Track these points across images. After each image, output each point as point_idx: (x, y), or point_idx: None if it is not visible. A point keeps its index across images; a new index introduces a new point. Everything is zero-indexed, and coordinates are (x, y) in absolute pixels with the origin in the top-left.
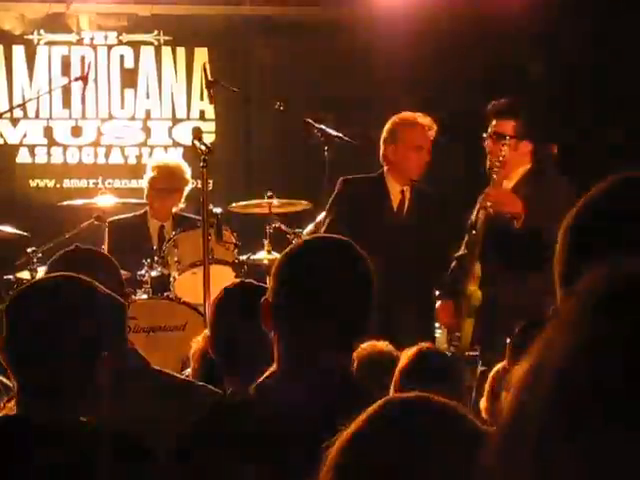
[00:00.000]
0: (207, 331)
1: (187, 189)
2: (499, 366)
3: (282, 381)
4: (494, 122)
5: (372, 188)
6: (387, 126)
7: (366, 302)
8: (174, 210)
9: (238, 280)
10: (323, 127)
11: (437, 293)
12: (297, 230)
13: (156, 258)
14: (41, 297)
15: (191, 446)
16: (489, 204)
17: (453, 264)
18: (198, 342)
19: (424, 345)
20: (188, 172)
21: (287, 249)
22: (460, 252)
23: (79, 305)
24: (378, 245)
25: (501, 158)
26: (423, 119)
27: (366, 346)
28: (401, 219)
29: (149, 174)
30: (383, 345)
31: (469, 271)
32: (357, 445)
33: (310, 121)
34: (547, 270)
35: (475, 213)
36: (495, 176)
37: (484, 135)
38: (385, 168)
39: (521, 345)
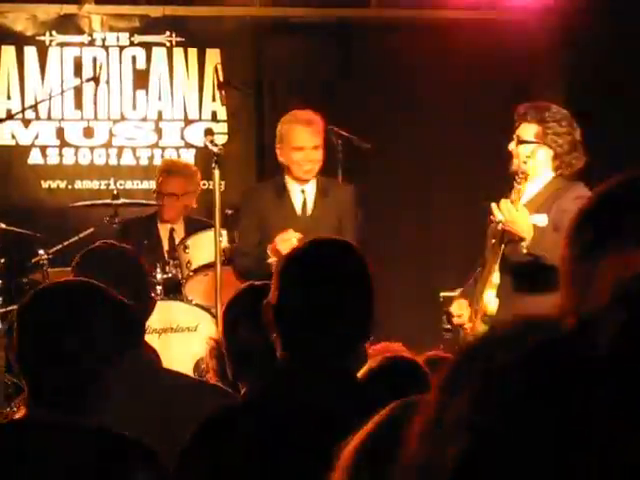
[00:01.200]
0: (220, 332)
1: (197, 191)
2: None
3: (284, 384)
4: (519, 125)
5: (274, 193)
6: (278, 126)
7: (367, 304)
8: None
9: (250, 282)
10: (335, 128)
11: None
12: None
13: (167, 260)
14: (52, 301)
15: (193, 449)
16: (501, 219)
17: (477, 271)
18: (215, 340)
19: (432, 353)
20: (198, 174)
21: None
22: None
23: (89, 309)
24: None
25: (523, 169)
26: (306, 117)
27: (380, 347)
28: (304, 219)
29: (158, 178)
30: (397, 346)
31: (486, 278)
32: (372, 447)
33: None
34: (547, 294)
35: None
36: (517, 187)
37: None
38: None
39: None
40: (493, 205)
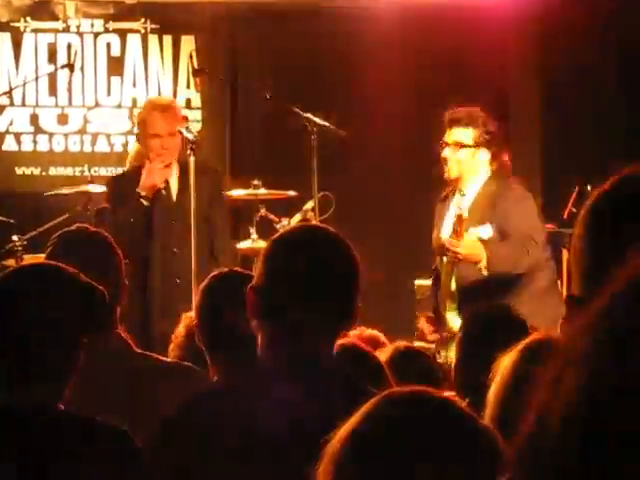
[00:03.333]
0: (194, 318)
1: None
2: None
3: (265, 370)
4: (452, 130)
5: (138, 179)
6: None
7: (351, 290)
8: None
9: (226, 269)
10: (310, 116)
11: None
12: (284, 218)
13: None
14: (21, 285)
15: (166, 440)
16: (458, 256)
17: (432, 278)
18: (180, 331)
19: (401, 343)
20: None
21: (275, 235)
22: (436, 264)
23: (54, 292)
24: (153, 233)
25: (460, 189)
26: (162, 103)
27: (356, 333)
28: (170, 205)
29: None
30: (373, 333)
31: (444, 297)
32: (358, 443)
33: (297, 110)
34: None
35: (437, 235)
36: (460, 215)
37: (440, 142)
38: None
39: (470, 336)
40: (447, 242)
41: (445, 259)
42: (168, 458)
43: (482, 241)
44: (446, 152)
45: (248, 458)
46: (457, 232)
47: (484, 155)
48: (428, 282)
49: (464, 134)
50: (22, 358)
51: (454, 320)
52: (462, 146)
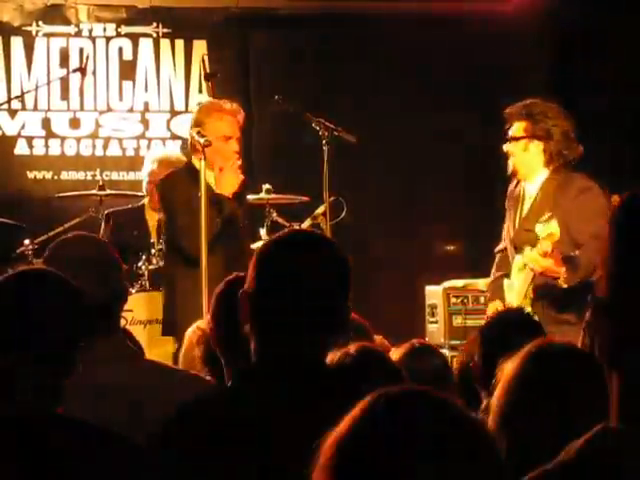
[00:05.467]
0: (209, 323)
1: None
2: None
3: (256, 377)
4: (510, 125)
5: (189, 178)
6: (195, 115)
7: (340, 298)
8: None
9: (241, 273)
10: (322, 120)
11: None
12: (295, 223)
13: (154, 251)
14: (4, 289)
15: (162, 445)
16: (537, 269)
17: (497, 258)
18: (202, 329)
19: (415, 341)
20: None
21: (267, 241)
22: (500, 246)
23: (39, 296)
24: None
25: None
26: (234, 106)
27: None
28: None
29: (149, 167)
30: (378, 339)
31: (520, 296)
32: (354, 443)
33: (309, 114)
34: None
35: (509, 228)
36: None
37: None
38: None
39: (489, 337)
40: (529, 259)
41: (521, 258)
42: (165, 461)
43: (561, 257)
44: (504, 146)
45: (238, 461)
46: (546, 253)
47: (536, 147)
48: (438, 287)
49: (516, 127)
50: (13, 365)
51: None
52: (513, 139)
